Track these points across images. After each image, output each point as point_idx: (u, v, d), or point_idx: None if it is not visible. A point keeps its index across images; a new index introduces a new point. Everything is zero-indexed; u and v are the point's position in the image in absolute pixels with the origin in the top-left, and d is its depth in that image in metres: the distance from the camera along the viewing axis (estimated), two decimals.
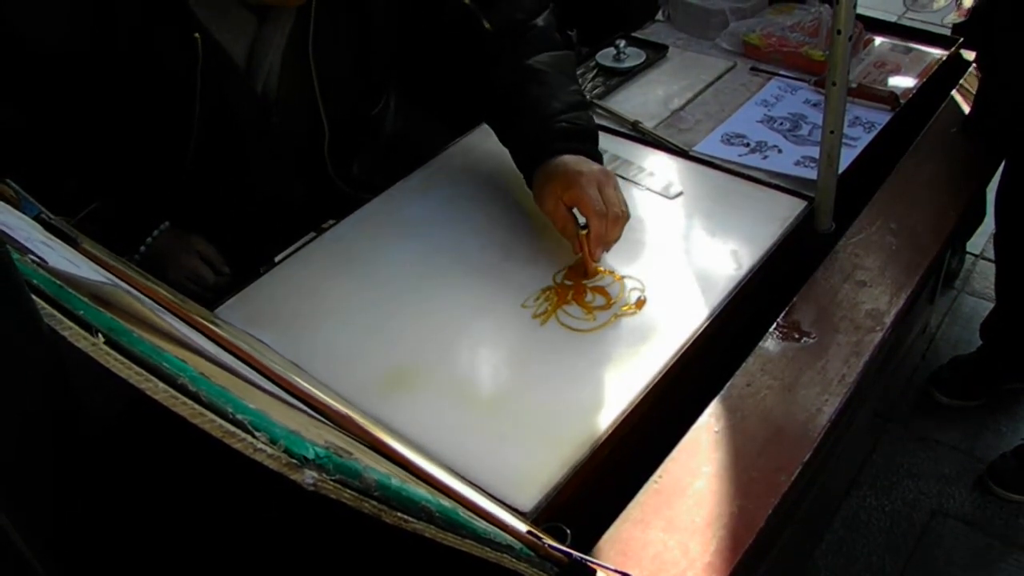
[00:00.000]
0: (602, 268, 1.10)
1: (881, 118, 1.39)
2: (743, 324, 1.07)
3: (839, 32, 1.03)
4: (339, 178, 1.30)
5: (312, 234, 1.23)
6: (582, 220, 1.05)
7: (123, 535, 0.62)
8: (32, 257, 0.57)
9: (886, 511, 1.79)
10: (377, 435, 0.70)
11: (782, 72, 1.52)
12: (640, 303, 1.06)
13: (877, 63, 1.53)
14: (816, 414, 0.92)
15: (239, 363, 0.69)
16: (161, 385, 0.45)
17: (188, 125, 1.11)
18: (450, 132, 1.40)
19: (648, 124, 1.40)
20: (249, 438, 0.44)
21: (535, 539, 0.65)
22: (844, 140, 1.14)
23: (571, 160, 1.07)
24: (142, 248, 1.19)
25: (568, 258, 1.11)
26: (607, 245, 1.07)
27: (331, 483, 0.47)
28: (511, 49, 1.18)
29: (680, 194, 1.24)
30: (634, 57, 1.56)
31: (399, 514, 0.52)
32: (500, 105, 1.18)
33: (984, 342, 1.93)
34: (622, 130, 1.40)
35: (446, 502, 0.59)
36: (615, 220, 1.04)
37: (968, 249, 2.35)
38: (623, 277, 1.10)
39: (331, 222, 1.24)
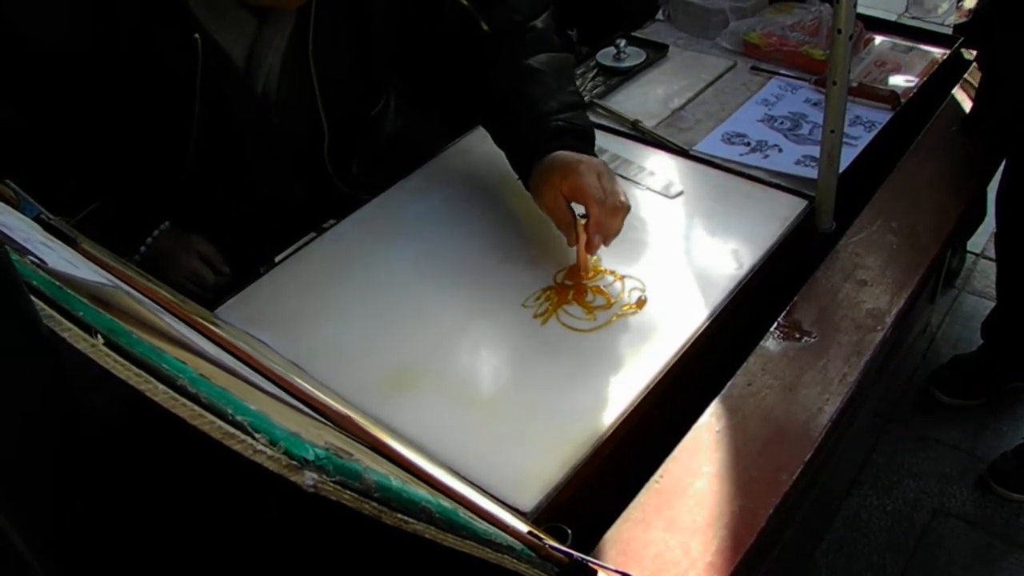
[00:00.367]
0: (602, 268, 1.10)
1: (882, 117, 1.39)
2: (744, 323, 1.06)
3: (839, 31, 1.03)
4: (339, 178, 1.30)
5: (312, 234, 1.23)
6: (580, 211, 1.04)
7: (123, 536, 0.62)
8: (31, 258, 0.57)
9: (887, 510, 1.78)
10: (377, 435, 0.70)
11: (782, 71, 1.52)
12: (641, 303, 1.06)
13: (877, 62, 1.52)
14: (817, 413, 0.92)
15: (239, 364, 0.69)
16: (161, 386, 0.45)
17: (188, 126, 1.11)
18: (450, 132, 1.40)
19: (648, 123, 1.40)
20: (249, 439, 0.44)
21: (536, 539, 0.65)
22: (845, 139, 1.14)
23: (568, 153, 1.07)
24: (142, 248, 1.19)
25: (569, 258, 1.11)
26: (606, 236, 1.04)
27: (331, 484, 0.47)
28: (509, 51, 1.17)
29: (680, 193, 1.24)
30: (634, 56, 1.56)
31: (399, 515, 0.52)
32: (497, 106, 1.18)
33: (985, 341, 1.93)
34: (622, 129, 1.39)
35: (446, 503, 0.58)
36: (614, 209, 1.02)
37: (969, 248, 2.35)
38: (623, 277, 1.10)
39: (331, 222, 1.24)
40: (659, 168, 1.29)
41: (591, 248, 1.05)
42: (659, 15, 1.74)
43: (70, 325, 0.47)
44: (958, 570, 1.67)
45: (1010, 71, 1.32)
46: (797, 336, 1.02)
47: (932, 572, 1.68)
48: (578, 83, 1.49)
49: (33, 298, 0.48)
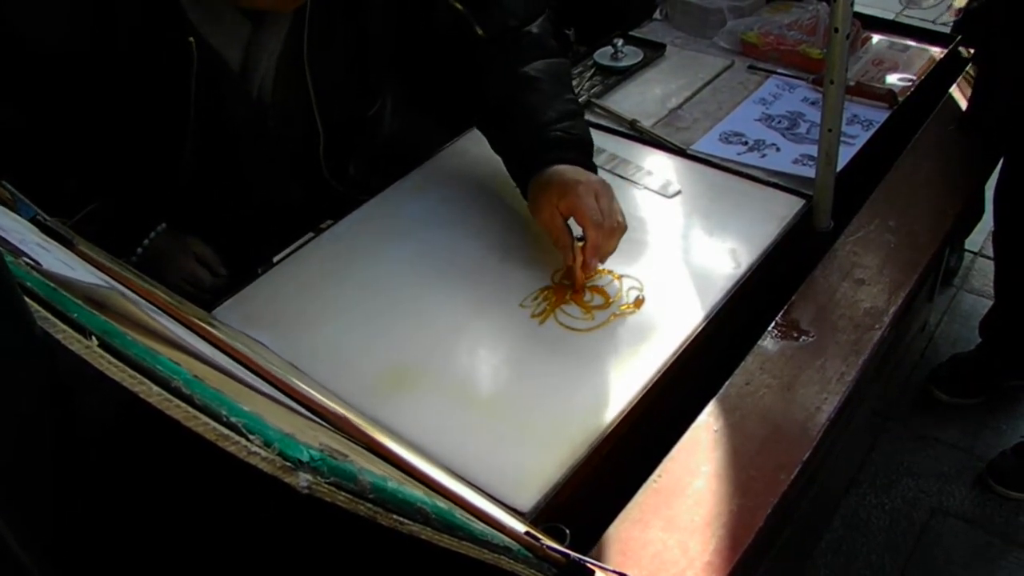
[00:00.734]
0: (600, 267, 1.10)
1: (879, 116, 1.39)
2: (742, 323, 1.06)
3: (837, 30, 1.02)
4: (335, 180, 1.30)
5: (310, 235, 1.23)
6: (577, 232, 1.04)
7: (119, 537, 0.62)
8: (26, 260, 0.57)
9: (886, 509, 1.78)
10: (374, 436, 0.70)
11: (780, 70, 1.52)
12: (639, 302, 1.06)
13: (875, 61, 1.52)
14: (815, 413, 0.92)
15: (235, 365, 0.69)
16: (155, 388, 0.45)
17: (183, 128, 1.11)
18: (447, 134, 1.40)
19: (646, 123, 1.40)
20: (243, 441, 0.44)
21: (533, 540, 0.65)
22: (842, 138, 1.14)
23: (567, 170, 1.06)
24: (139, 250, 1.19)
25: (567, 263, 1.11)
26: (602, 257, 1.06)
27: (326, 486, 0.47)
28: (504, 56, 1.17)
29: (678, 193, 1.24)
30: (632, 56, 1.56)
31: (395, 516, 0.52)
32: (493, 113, 1.17)
33: (983, 340, 1.93)
34: (620, 129, 1.39)
35: (443, 503, 0.58)
36: (611, 231, 1.03)
37: (967, 247, 2.35)
38: (621, 276, 1.10)
39: (329, 222, 1.24)
40: (657, 167, 1.29)
41: (587, 269, 1.05)
42: (656, 14, 1.74)
43: (64, 327, 0.47)
44: (957, 569, 1.67)
45: (1008, 69, 1.32)
46: (795, 335, 1.02)
47: (931, 571, 1.68)
48: (576, 83, 1.49)
49: (27, 300, 0.48)
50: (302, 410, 0.68)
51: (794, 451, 0.88)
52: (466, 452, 0.89)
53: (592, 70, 1.55)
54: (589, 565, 0.68)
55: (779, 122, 1.39)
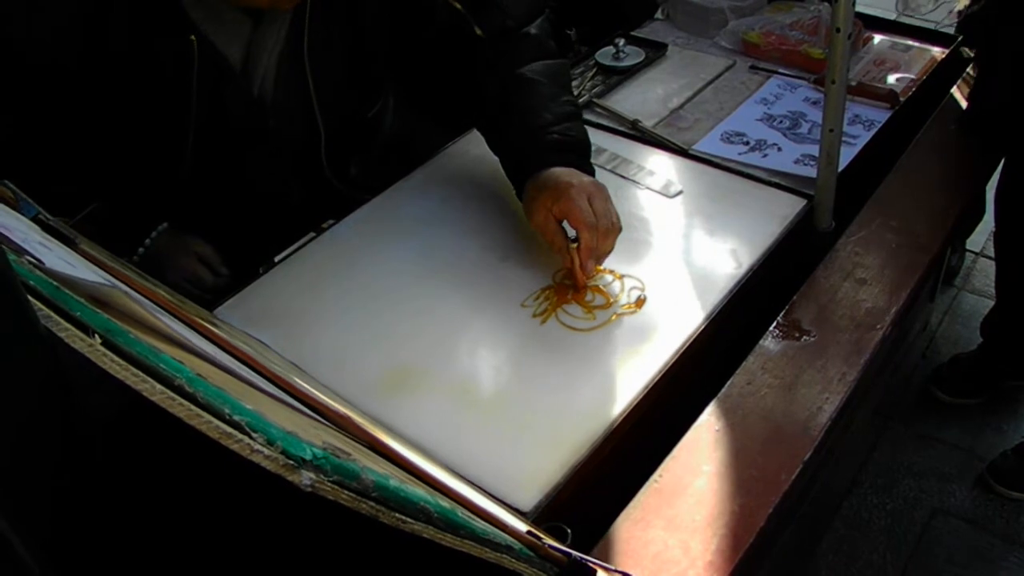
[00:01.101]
0: (601, 267, 1.10)
1: (880, 116, 1.39)
2: (743, 323, 1.06)
3: (838, 30, 1.02)
4: (336, 179, 1.30)
5: (311, 234, 1.23)
6: (572, 233, 1.04)
7: (121, 536, 0.62)
8: (29, 258, 0.57)
9: (887, 509, 1.78)
10: (376, 435, 0.70)
11: (781, 70, 1.52)
12: (640, 302, 1.06)
13: (876, 61, 1.52)
14: (816, 413, 0.92)
15: (237, 364, 0.69)
16: (158, 386, 0.45)
17: (184, 127, 1.11)
18: (448, 134, 1.40)
19: (647, 123, 1.40)
20: (246, 439, 0.44)
21: (534, 539, 0.65)
22: (844, 138, 1.14)
23: (562, 172, 1.06)
24: (140, 250, 1.19)
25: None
26: (598, 258, 1.06)
27: (329, 484, 0.47)
28: (502, 57, 1.17)
29: (680, 193, 1.24)
30: (633, 56, 1.56)
31: (397, 515, 0.52)
32: (491, 114, 1.17)
33: (984, 340, 1.93)
34: (621, 129, 1.39)
35: (445, 502, 0.58)
36: (605, 233, 1.03)
37: (968, 247, 2.35)
38: (623, 276, 1.10)
39: (330, 222, 1.24)
40: (658, 167, 1.29)
41: (584, 270, 1.05)
42: (658, 14, 1.74)
43: (67, 325, 0.47)
44: (958, 569, 1.67)
45: (1008, 70, 1.32)
46: (796, 335, 1.02)
47: (932, 571, 1.68)
48: (577, 82, 1.49)
49: (30, 298, 0.48)
50: (304, 409, 0.68)
51: (796, 451, 0.88)
52: (467, 451, 0.89)
53: (594, 70, 1.55)
54: (591, 564, 0.68)
55: (780, 122, 1.39)
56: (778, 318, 1.04)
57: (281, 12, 1.10)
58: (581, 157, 1.12)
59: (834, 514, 1.75)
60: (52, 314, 0.48)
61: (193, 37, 1.04)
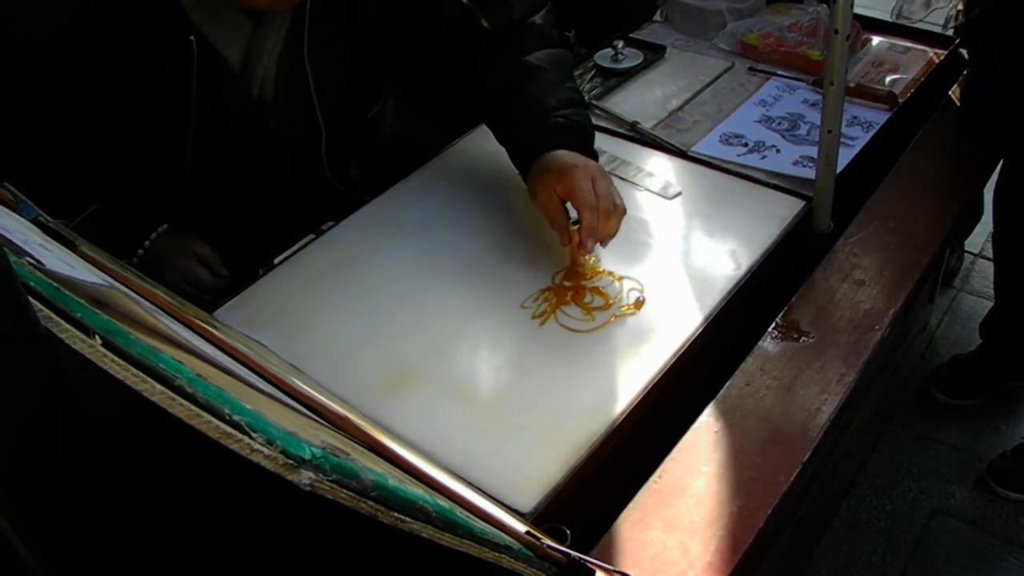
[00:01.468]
0: (601, 269, 1.10)
1: (879, 117, 1.39)
2: (742, 324, 1.07)
3: (836, 32, 1.03)
4: (337, 180, 1.30)
5: (311, 236, 1.23)
6: (574, 215, 1.05)
7: (122, 536, 0.62)
8: (29, 259, 0.57)
9: (886, 510, 1.78)
10: (375, 436, 0.70)
11: (780, 72, 1.52)
12: (639, 303, 1.06)
13: (875, 62, 1.53)
14: (815, 414, 0.92)
15: (237, 365, 0.69)
16: (158, 387, 0.45)
17: (184, 128, 1.11)
18: (448, 134, 1.40)
19: (646, 125, 1.40)
20: (246, 439, 0.44)
21: (534, 539, 0.65)
22: (842, 140, 1.14)
23: (566, 155, 1.07)
24: (140, 251, 1.19)
25: (568, 259, 1.11)
26: (602, 239, 1.06)
27: (328, 483, 0.47)
28: (508, 46, 1.18)
29: (678, 194, 1.24)
30: (632, 58, 1.56)
31: (396, 514, 0.52)
32: (496, 103, 1.18)
33: (983, 341, 1.93)
34: (620, 131, 1.40)
35: (444, 502, 0.59)
36: (607, 214, 1.04)
37: (967, 248, 2.35)
38: (622, 277, 1.10)
39: (330, 223, 1.24)
40: (657, 169, 1.30)
41: (582, 249, 1.05)
42: (657, 16, 1.74)
43: (68, 326, 0.47)
44: (958, 570, 1.67)
45: (1005, 72, 1.32)
46: (795, 336, 1.02)
47: (931, 572, 1.68)
48: (576, 82, 1.49)
49: (31, 299, 0.48)
50: (303, 410, 0.68)
51: (794, 452, 0.89)
52: (467, 453, 0.89)
53: (592, 72, 1.56)
54: (590, 564, 0.68)
55: (779, 124, 1.39)
56: (777, 319, 1.04)
57: (280, 13, 1.10)
58: (585, 140, 1.13)
59: (833, 515, 1.75)
60: (53, 315, 0.48)
61: (193, 38, 1.05)
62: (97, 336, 0.47)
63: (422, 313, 1.07)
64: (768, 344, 1.01)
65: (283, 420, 0.51)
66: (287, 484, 0.46)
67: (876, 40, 1.59)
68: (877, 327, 1.02)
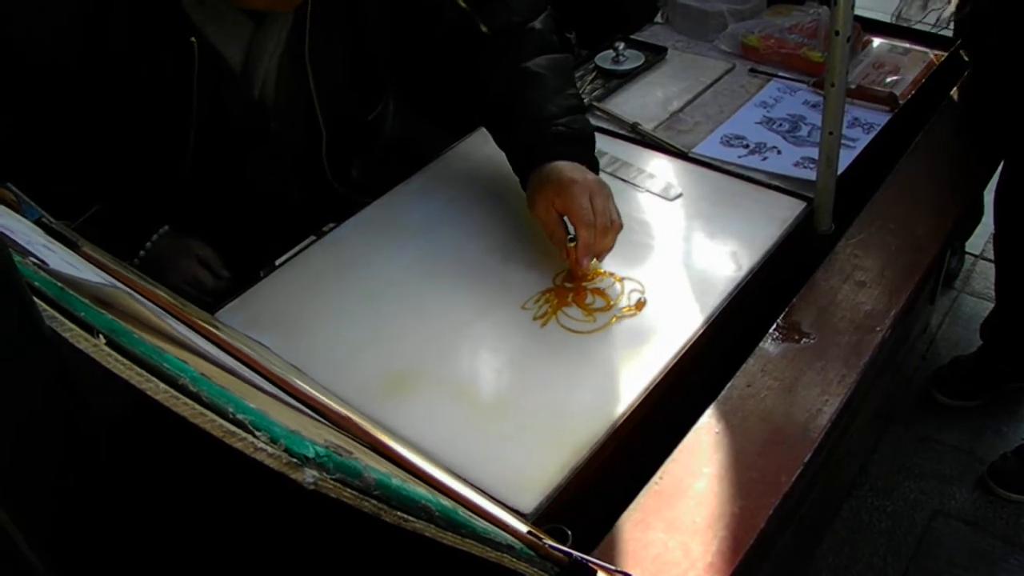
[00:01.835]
0: (602, 270, 1.10)
1: (880, 119, 1.39)
2: (743, 325, 1.07)
3: (837, 33, 1.03)
4: (337, 182, 1.30)
5: (312, 237, 1.23)
6: (572, 230, 1.05)
7: (125, 534, 0.62)
8: (33, 260, 0.58)
9: (887, 511, 1.78)
10: (377, 436, 0.70)
11: (781, 73, 1.52)
12: (640, 305, 1.06)
13: (875, 64, 1.53)
14: (816, 415, 0.92)
15: (240, 365, 0.70)
16: (162, 386, 0.45)
17: (185, 129, 1.11)
18: (448, 136, 1.41)
19: (647, 126, 1.40)
20: (250, 437, 0.45)
21: (535, 539, 0.65)
22: (843, 141, 1.14)
23: (566, 167, 1.07)
24: (141, 252, 1.19)
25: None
26: (598, 254, 1.06)
27: (331, 482, 0.48)
28: (507, 52, 1.17)
29: (679, 196, 1.24)
30: (633, 59, 1.56)
31: (399, 513, 0.52)
32: (496, 109, 1.18)
33: (984, 342, 1.93)
34: (621, 132, 1.40)
35: (446, 502, 0.59)
36: (603, 231, 1.04)
37: (968, 249, 2.35)
38: (623, 279, 1.10)
39: (331, 225, 1.25)
40: (658, 170, 1.30)
41: (580, 267, 1.06)
42: (658, 18, 1.74)
43: (72, 326, 0.47)
44: (959, 571, 1.67)
45: (1004, 74, 1.32)
46: (796, 337, 1.02)
47: (932, 573, 1.68)
48: (577, 86, 1.49)
49: (35, 299, 0.48)
50: (306, 410, 0.68)
51: (796, 453, 0.89)
52: (468, 454, 0.89)
53: (593, 73, 1.56)
54: (591, 564, 0.68)
55: (780, 125, 1.39)
56: (778, 320, 1.04)
57: (282, 14, 1.10)
58: (585, 149, 1.12)
59: (834, 516, 1.75)
60: (56, 315, 0.48)
61: (193, 39, 1.05)
62: (101, 335, 0.47)
63: (423, 315, 1.07)
64: (769, 345, 1.01)
65: (286, 419, 0.51)
66: (291, 483, 0.46)
67: (877, 41, 1.59)
68: (878, 328, 1.03)
